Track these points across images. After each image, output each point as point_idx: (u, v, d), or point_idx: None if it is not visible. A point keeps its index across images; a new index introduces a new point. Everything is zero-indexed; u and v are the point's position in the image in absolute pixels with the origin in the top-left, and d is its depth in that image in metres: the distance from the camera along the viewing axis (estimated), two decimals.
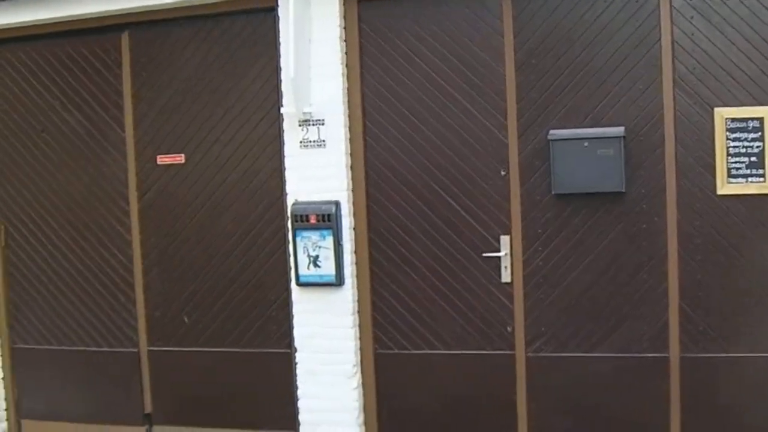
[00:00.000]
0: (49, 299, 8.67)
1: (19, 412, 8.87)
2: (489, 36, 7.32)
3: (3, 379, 8.83)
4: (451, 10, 7.38)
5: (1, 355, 8.81)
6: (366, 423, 7.80)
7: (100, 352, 8.50)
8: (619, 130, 7.00)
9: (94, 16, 8.12)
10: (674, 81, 6.96)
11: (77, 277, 8.54)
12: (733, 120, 6.87)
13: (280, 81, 7.59)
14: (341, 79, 7.49)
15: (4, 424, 8.82)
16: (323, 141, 7.53)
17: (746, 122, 6.85)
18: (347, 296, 7.59)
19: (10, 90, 8.63)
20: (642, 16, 7.03)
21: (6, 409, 8.85)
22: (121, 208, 8.32)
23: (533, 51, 7.23)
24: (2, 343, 8.81)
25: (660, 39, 7.00)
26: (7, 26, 8.40)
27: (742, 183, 6.90)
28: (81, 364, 8.57)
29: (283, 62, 7.47)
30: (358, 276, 7.66)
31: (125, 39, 8.20)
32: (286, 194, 7.69)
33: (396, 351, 7.69)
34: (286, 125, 7.63)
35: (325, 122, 7.51)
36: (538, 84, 7.23)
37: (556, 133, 7.10)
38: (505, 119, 7.31)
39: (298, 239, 7.56)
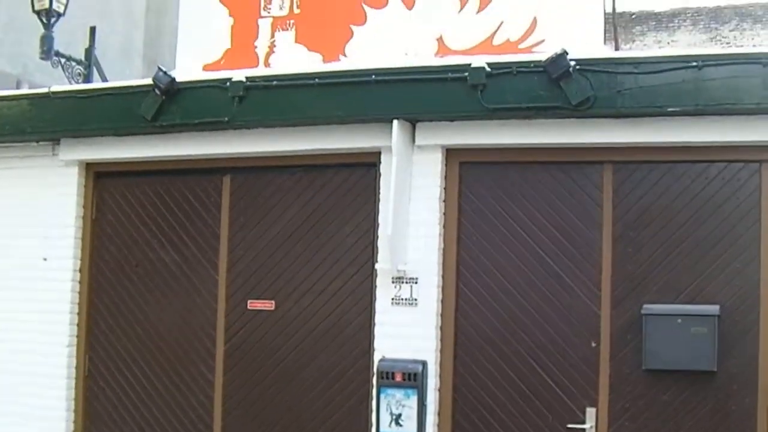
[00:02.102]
0: None
1: None
2: (588, 205, 7.32)
3: None
4: (552, 178, 7.42)
5: None
6: None
7: None
8: (714, 309, 6.91)
9: (198, 157, 8.31)
10: None
11: (156, 413, 8.51)
12: None
13: (377, 236, 7.65)
14: (438, 239, 7.52)
15: None
16: (415, 299, 7.52)
17: None
18: None
19: (110, 223, 8.80)
20: (744, 194, 7.03)
21: None
22: (207, 349, 8.34)
23: (631, 223, 7.21)
24: None
25: (760, 218, 6.96)
26: (115, 160, 8.63)
27: None
28: None
29: (382, 218, 7.55)
30: None
31: (227, 182, 8.35)
32: (374, 350, 7.66)
33: None
34: (379, 281, 7.65)
35: (419, 281, 7.52)
36: (634, 257, 7.18)
37: (650, 307, 7.02)
38: (599, 290, 7.24)
39: (382, 396, 7.49)
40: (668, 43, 25.64)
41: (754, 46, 24.57)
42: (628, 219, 7.22)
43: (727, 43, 25.23)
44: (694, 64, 6.81)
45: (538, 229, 7.43)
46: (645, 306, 7.05)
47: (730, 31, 25.42)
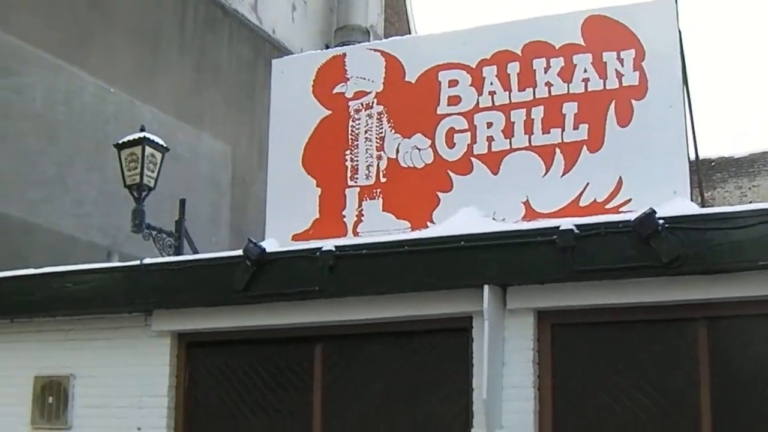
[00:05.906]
0: None
1: None
2: (684, 363, 7.19)
3: None
4: (646, 337, 7.33)
5: None
6: None
7: None
8: None
9: (289, 327, 8.35)
10: None
11: None
12: None
13: (471, 401, 7.56)
14: (533, 402, 7.41)
15: None
16: None
17: None
18: None
19: (203, 393, 8.83)
20: None
21: None
22: None
23: (730, 381, 7.05)
24: None
25: None
26: (207, 331, 8.74)
27: None
28: None
29: (476, 382, 7.47)
30: None
31: (318, 351, 8.33)
32: None
33: None
34: None
35: None
36: (734, 416, 7.00)
37: None
38: None
39: None
40: (749, 188, 25.54)
41: None
42: (727, 377, 7.07)
43: None
44: None
45: (635, 388, 7.28)
46: None
47: None
